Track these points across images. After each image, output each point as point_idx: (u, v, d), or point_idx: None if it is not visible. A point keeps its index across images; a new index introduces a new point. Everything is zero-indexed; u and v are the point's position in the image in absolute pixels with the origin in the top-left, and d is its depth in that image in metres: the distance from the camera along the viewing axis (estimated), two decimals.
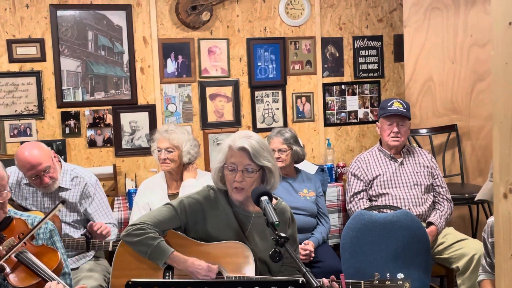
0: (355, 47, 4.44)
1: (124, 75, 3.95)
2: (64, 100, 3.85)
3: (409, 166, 3.41)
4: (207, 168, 4.05)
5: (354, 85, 4.46)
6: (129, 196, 3.61)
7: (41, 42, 3.78)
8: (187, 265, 2.24)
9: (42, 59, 3.80)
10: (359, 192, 3.40)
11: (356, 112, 4.47)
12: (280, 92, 4.28)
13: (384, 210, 3.16)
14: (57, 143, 3.83)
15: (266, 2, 4.22)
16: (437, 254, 3.21)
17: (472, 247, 3.06)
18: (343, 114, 4.45)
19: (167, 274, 2.29)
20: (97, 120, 3.92)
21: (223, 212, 2.34)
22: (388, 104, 3.40)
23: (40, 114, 3.81)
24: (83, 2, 3.84)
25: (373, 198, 3.39)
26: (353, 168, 3.47)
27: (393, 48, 4.53)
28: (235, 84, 4.18)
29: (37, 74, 3.79)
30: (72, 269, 2.63)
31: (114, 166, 3.88)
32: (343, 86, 4.43)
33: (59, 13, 3.80)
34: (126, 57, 3.94)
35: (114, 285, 2.31)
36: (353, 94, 4.45)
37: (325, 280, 2.19)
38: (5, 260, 2.04)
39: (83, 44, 3.86)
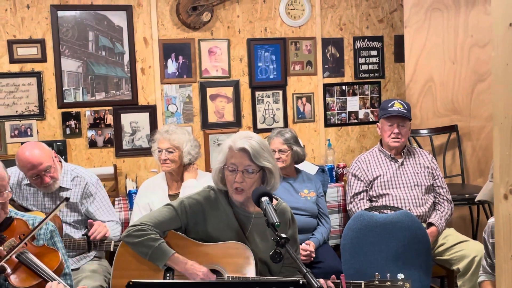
0: (356, 47, 4.44)
1: (125, 75, 3.95)
2: (64, 101, 3.86)
3: (409, 167, 3.41)
4: (208, 168, 4.05)
5: (355, 86, 4.46)
6: (130, 197, 3.61)
7: (41, 42, 3.78)
8: (187, 268, 2.24)
9: (43, 59, 3.80)
10: (360, 193, 3.40)
11: (356, 113, 4.47)
12: (280, 92, 4.28)
13: (385, 211, 3.16)
14: (58, 143, 3.83)
15: (266, 3, 4.22)
16: (437, 255, 3.21)
17: (473, 248, 3.06)
18: (343, 115, 4.45)
19: (168, 275, 2.29)
20: (98, 121, 3.92)
21: (224, 212, 2.35)
22: (389, 105, 3.40)
23: (40, 114, 3.82)
24: (84, 3, 3.85)
25: (374, 199, 3.39)
26: (354, 169, 3.47)
27: (394, 49, 4.53)
28: (236, 85, 4.18)
29: (37, 75, 3.79)
30: (72, 270, 2.63)
31: (115, 166, 3.89)
32: (343, 87, 4.44)
33: (60, 13, 3.81)
34: (126, 57, 3.94)
35: (114, 285, 2.31)
36: (354, 94, 4.46)
37: (321, 281, 2.19)
38: (6, 261, 2.04)
39: (84, 44, 3.86)
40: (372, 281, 2.27)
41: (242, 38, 4.18)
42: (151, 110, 4.01)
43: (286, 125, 4.27)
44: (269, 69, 4.25)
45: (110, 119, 3.94)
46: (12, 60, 3.75)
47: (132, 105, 3.98)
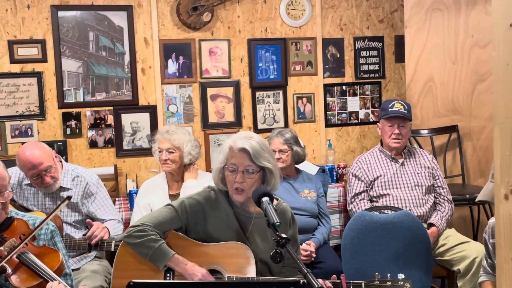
0: (356, 47, 4.44)
1: (125, 75, 3.95)
2: (65, 101, 3.86)
3: (410, 167, 3.41)
4: (208, 168, 4.05)
5: (355, 86, 4.46)
6: (130, 197, 3.61)
7: (42, 42, 3.79)
8: (186, 269, 2.25)
9: (43, 59, 3.80)
10: (360, 193, 3.40)
11: (357, 113, 4.47)
12: (281, 92, 4.28)
13: (385, 211, 3.15)
14: (58, 143, 3.83)
15: (267, 3, 4.22)
16: (438, 255, 3.21)
17: (473, 249, 3.05)
18: (344, 115, 4.45)
19: (168, 275, 2.29)
20: (98, 121, 3.92)
21: (224, 213, 2.35)
22: (389, 105, 3.39)
23: (41, 114, 3.82)
24: (84, 3, 3.85)
25: (374, 199, 3.39)
26: (354, 169, 3.47)
27: (394, 49, 4.53)
28: (236, 85, 4.18)
29: (38, 75, 3.80)
30: (73, 270, 2.64)
31: (115, 166, 3.89)
32: (344, 87, 4.44)
33: (60, 13, 3.81)
34: (127, 57, 3.95)
35: (115, 286, 2.31)
36: (354, 94, 4.46)
37: (320, 281, 2.19)
38: (6, 261, 2.04)
39: (84, 44, 3.86)
40: (373, 281, 2.27)
41: (243, 38, 4.18)
42: (152, 110, 4.01)
43: (286, 125, 4.27)
44: (269, 69, 4.25)
45: (110, 119, 3.94)
46: (13, 60, 3.75)
47: (133, 105, 3.98)
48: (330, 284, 2.22)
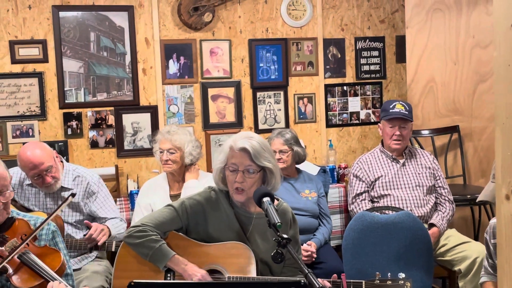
0: (357, 48, 4.43)
1: (126, 76, 3.96)
2: (66, 101, 3.86)
3: (411, 167, 3.41)
4: (209, 169, 4.04)
5: (356, 86, 4.46)
6: (131, 197, 3.61)
7: (43, 43, 3.79)
8: (186, 269, 2.25)
9: (45, 60, 3.81)
10: (361, 193, 3.39)
11: (358, 113, 4.47)
12: (282, 93, 4.28)
13: (386, 211, 3.15)
14: (59, 144, 3.83)
15: (268, 3, 4.22)
16: (439, 256, 3.20)
17: (474, 250, 3.05)
18: (345, 115, 4.44)
19: (169, 275, 2.29)
20: (99, 121, 3.92)
21: (224, 213, 2.35)
22: (390, 106, 3.39)
23: (42, 115, 3.82)
24: (85, 3, 3.85)
25: (375, 199, 3.38)
26: (355, 169, 3.47)
27: (395, 49, 4.52)
28: (237, 85, 4.18)
29: (39, 75, 3.80)
30: (74, 270, 2.63)
31: (116, 167, 3.89)
32: (345, 87, 4.44)
33: (61, 14, 3.81)
34: (128, 58, 3.95)
35: (116, 286, 2.32)
36: (355, 95, 4.45)
37: (320, 280, 2.19)
38: (8, 261, 2.04)
39: (85, 45, 3.86)
40: (373, 280, 2.27)
41: (244, 39, 4.19)
42: (153, 110, 4.02)
43: (287, 125, 4.27)
44: (270, 69, 4.25)
45: (111, 119, 3.94)
46: (14, 61, 3.76)
47: (134, 106, 3.98)
48: (328, 284, 2.22)
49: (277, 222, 1.97)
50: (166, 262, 2.26)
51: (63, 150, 3.82)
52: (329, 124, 4.40)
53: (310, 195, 3.41)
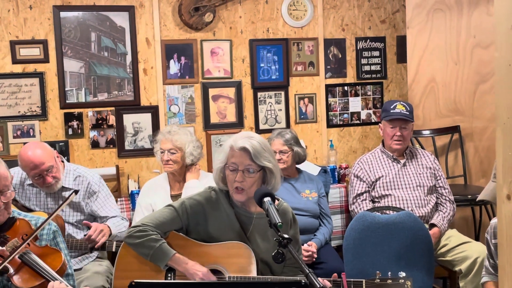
0: (358, 48, 4.43)
1: (127, 76, 3.96)
2: (67, 101, 3.86)
3: (411, 168, 3.41)
4: (210, 169, 4.04)
5: (357, 86, 4.46)
6: (132, 197, 3.61)
7: (44, 43, 3.79)
8: (187, 268, 2.25)
9: (45, 60, 3.81)
10: (362, 194, 3.39)
11: (359, 113, 4.47)
12: (282, 93, 4.28)
13: (387, 212, 3.15)
14: (60, 144, 3.84)
15: (268, 3, 4.22)
16: (440, 256, 3.20)
17: (475, 250, 3.05)
18: (345, 115, 4.44)
19: (169, 275, 2.30)
20: (100, 121, 3.92)
21: (225, 213, 2.35)
22: (391, 107, 3.39)
23: (43, 115, 3.82)
24: (86, 3, 3.85)
25: (376, 200, 3.38)
26: (356, 170, 3.46)
27: (396, 49, 4.52)
28: (238, 85, 4.18)
29: (40, 75, 3.80)
30: (75, 270, 2.64)
31: (117, 167, 3.89)
32: (345, 87, 4.43)
33: (62, 14, 3.81)
34: (129, 58, 3.95)
35: (116, 286, 2.32)
36: (356, 95, 4.45)
37: (320, 280, 2.19)
38: (9, 261, 2.04)
39: (86, 45, 3.87)
40: (373, 279, 2.27)
41: (244, 39, 4.19)
42: (153, 110, 4.02)
43: (288, 125, 4.27)
44: (271, 69, 4.25)
45: (112, 119, 3.94)
46: (15, 61, 3.76)
47: (134, 106, 3.98)
48: (329, 284, 2.22)
49: (278, 222, 1.97)
50: (167, 261, 2.26)
51: (64, 150, 3.82)
52: (330, 124, 4.40)
53: (310, 195, 3.41)
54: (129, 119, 3.98)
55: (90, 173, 3.16)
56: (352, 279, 2.29)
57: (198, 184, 3.20)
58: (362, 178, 3.42)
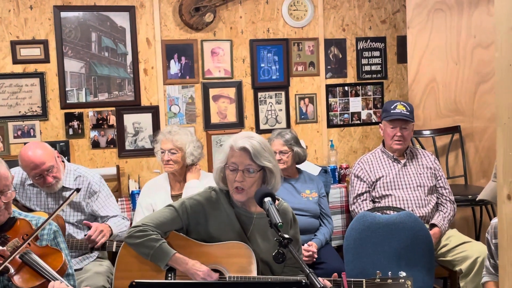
0: (358, 48, 4.43)
1: (128, 76, 3.96)
2: (67, 101, 3.86)
3: (412, 168, 3.41)
4: (210, 169, 4.04)
5: (357, 87, 4.46)
6: (133, 197, 3.62)
7: (44, 43, 3.79)
8: (188, 267, 2.25)
9: (46, 60, 3.81)
10: (362, 194, 3.39)
11: (359, 114, 4.47)
12: (283, 93, 4.28)
13: (387, 212, 3.15)
14: (61, 144, 3.84)
15: (269, 4, 4.22)
16: (440, 256, 3.20)
17: (475, 249, 3.05)
18: (346, 116, 4.44)
19: (170, 275, 2.30)
20: (101, 121, 3.92)
21: (225, 213, 2.35)
22: (392, 107, 3.39)
23: (43, 115, 3.82)
24: (87, 4, 3.86)
25: (376, 200, 3.38)
26: (356, 170, 3.46)
27: (396, 49, 4.52)
28: (238, 85, 4.18)
29: (40, 75, 3.80)
30: (75, 270, 2.64)
31: (118, 167, 3.89)
32: (346, 88, 4.43)
33: (63, 14, 3.81)
34: (129, 58, 3.95)
35: (117, 286, 2.32)
36: (356, 95, 4.45)
37: (320, 279, 2.19)
38: (9, 261, 2.04)
39: (87, 45, 3.87)
40: (374, 279, 2.27)
41: (245, 39, 4.19)
42: (154, 110, 4.02)
43: (288, 125, 4.27)
44: (271, 70, 4.25)
45: (113, 119, 3.94)
46: (15, 61, 3.76)
47: (135, 106, 3.98)
48: (330, 284, 2.22)
49: (278, 222, 1.97)
50: (167, 261, 2.26)
51: (64, 150, 3.83)
52: (330, 125, 4.40)
53: (310, 195, 3.41)
54: (129, 119, 3.98)
55: (91, 173, 3.16)
56: (352, 279, 2.30)
57: (199, 184, 3.21)
58: (362, 178, 3.42)
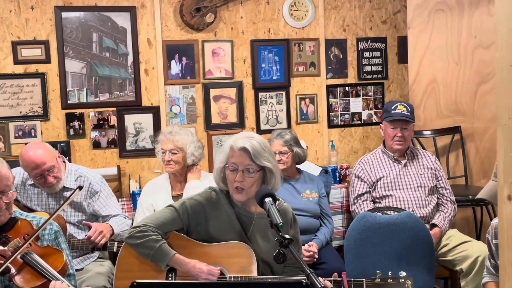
0: (359, 48, 4.44)
1: (129, 76, 3.96)
2: (68, 102, 3.87)
3: (412, 168, 3.41)
4: (211, 169, 4.05)
5: (358, 87, 4.46)
6: (133, 198, 3.62)
7: (46, 43, 3.80)
8: (189, 268, 2.25)
9: (47, 60, 3.81)
10: (363, 194, 3.40)
11: (360, 114, 4.47)
12: (284, 93, 4.28)
13: (388, 212, 3.16)
14: (62, 144, 3.84)
15: (270, 4, 4.22)
16: (441, 256, 3.20)
17: (476, 249, 3.05)
18: (346, 116, 4.45)
19: (170, 275, 2.30)
20: (102, 122, 3.93)
21: (225, 213, 2.35)
22: (392, 107, 3.39)
23: (44, 115, 3.83)
24: (88, 4, 3.86)
25: (377, 200, 3.39)
26: (357, 170, 3.47)
27: (397, 50, 4.52)
28: (239, 86, 4.19)
29: (41, 76, 3.81)
30: (76, 270, 2.64)
31: (118, 167, 3.89)
32: (347, 88, 4.44)
33: (64, 14, 3.82)
34: (130, 58, 3.95)
35: (117, 286, 2.32)
36: (357, 95, 4.46)
37: (321, 279, 2.19)
38: (10, 261, 2.05)
39: (88, 45, 3.87)
40: (374, 278, 2.27)
41: (246, 39, 4.19)
42: (155, 111, 4.02)
43: (289, 126, 4.27)
44: (272, 70, 4.25)
45: (113, 120, 3.95)
46: (16, 61, 3.77)
47: (136, 106, 3.98)
48: (330, 284, 2.22)
49: (279, 222, 1.97)
50: (167, 261, 2.27)
51: (65, 151, 3.83)
52: (331, 125, 4.40)
53: (311, 195, 3.41)
54: (130, 120, 3.98)
55: (92, 173, 3.17)
56: (352, 279, 2.30)
57: (199, 184, 3.21)
58: (363, 179, 3.42)
